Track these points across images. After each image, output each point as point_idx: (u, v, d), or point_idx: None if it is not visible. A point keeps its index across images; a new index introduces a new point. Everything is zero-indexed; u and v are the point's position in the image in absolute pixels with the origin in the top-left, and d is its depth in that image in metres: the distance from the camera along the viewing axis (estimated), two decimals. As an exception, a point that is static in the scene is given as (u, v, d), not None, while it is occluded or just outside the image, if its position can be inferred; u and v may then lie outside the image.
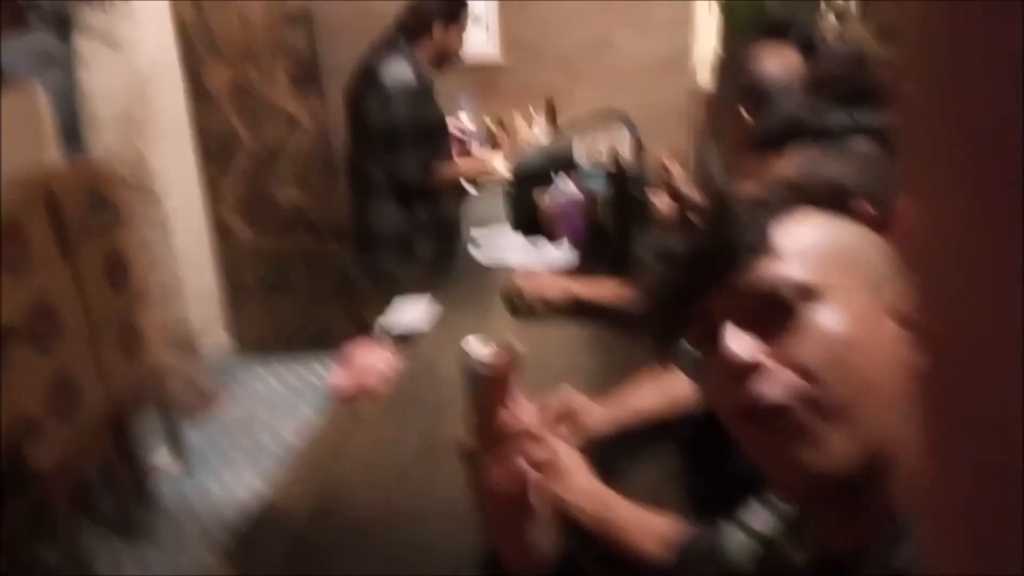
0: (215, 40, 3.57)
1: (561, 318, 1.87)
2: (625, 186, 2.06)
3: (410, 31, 2.65)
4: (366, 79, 2.63)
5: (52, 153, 2.82)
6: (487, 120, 3.58)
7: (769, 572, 0.80)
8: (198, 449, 3.17)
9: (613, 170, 2.10)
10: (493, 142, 3.47)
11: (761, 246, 0.66)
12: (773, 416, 0.62)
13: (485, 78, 3.69)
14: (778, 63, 1.63)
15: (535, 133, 3.45)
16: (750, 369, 0.63)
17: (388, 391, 1.63)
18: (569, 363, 1.71)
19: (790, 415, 0.62)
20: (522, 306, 1.93)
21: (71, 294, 2.46)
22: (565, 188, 2.24)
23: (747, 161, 1.10)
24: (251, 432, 3.29)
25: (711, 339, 0.66)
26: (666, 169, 2.45)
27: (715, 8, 3.05)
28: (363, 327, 2.08)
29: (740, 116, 1.62)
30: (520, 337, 1.78)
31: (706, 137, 3.24)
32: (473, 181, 2.88)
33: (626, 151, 2.27)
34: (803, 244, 0.67)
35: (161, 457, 3.05)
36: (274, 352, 3.90)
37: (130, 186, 3.24)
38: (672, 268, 0.70)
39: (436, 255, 2.57)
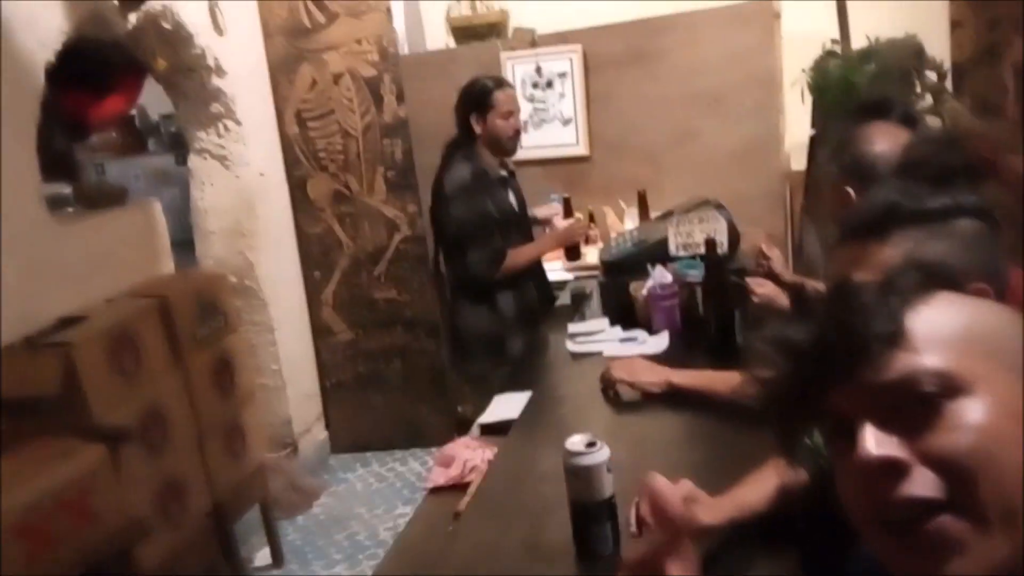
0: (317, 152, 3.77)
1: (660, 408, 1.82)
2: (722, 273, 2.01)
3: (462, 131, 2.78)
4: (434, 184, 2.79)
5: (167, 265, 2.98)
6: (578, 215, 3.61)
7: None
8: (296, 545, 3.18)
9: (709, 258, 2.06)
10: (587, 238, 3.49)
11: (895, 335, 0.61)
12: (918, 521, 0.57)
13: (573, 174, 3.75)
14: (887, 141, 1.59)
15: (626, 226, 3.46)
16: (891, 469, 0.58)
17: (486, 490, 1.60)
18: (674, 456, 1.65)
19: (937, 520, 0.57)
20: (620, 396, 1.88)
21: (181, 399, 2.55)
22: (660, 278, 2.21)
23: (850, 248, 1.06)
24: (348, 528, 3.29)
25: (843, 437, 0.62)
26: (763, 255, 2.41)
27: (806, 92, 3.03)
28: (460, 424, 2.07)
29: (848, 197, 1.57)
30: (619, 430, 1.74)
31: (805, 220, 3.17)
32: (574, 253, 2.88)
33: (722, 238, 2.23)
34: (941, 330, 0.61)
35: (261, 555, 3.07)
36: (371, 448, 3.93)
37: (238, 294, 3.40)
38: (792, 360, 0.64)
39: (528, 348, 2.56)
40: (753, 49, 3.49)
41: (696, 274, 2.20)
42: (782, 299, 2.24)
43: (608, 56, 3.68)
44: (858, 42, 3.15)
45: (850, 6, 3.23)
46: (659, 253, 2.34)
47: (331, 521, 3.36)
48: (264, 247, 3.59)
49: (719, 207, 2.37)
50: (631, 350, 2.14)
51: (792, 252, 3.51)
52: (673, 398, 1.82)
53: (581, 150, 3.75)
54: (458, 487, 1.62)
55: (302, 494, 3.48)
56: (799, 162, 3.52)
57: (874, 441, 0.59)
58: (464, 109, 2.78)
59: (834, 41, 2.99)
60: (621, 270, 2.41)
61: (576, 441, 1.37)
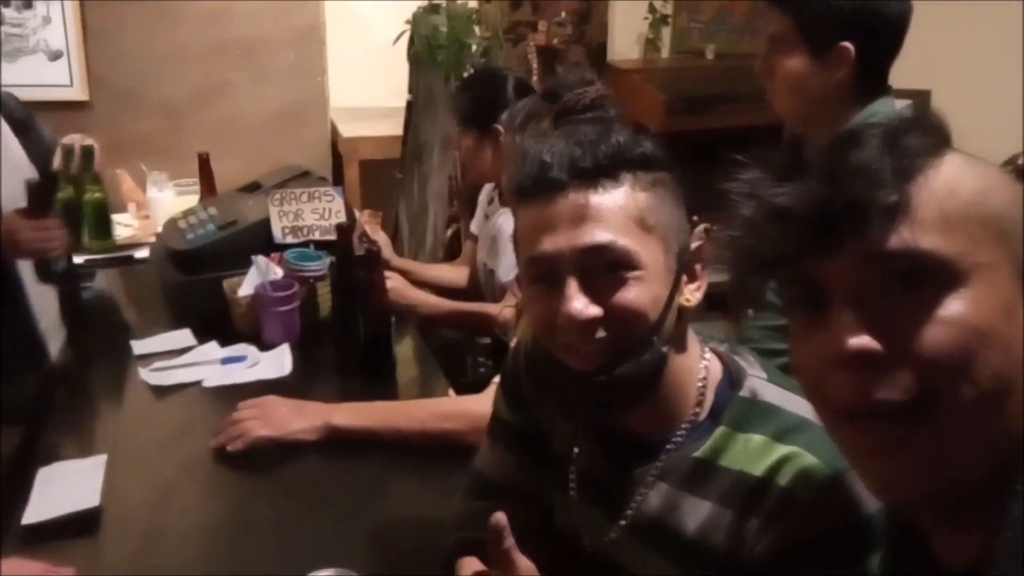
0: None
1: (319, 462, 1.33)
2: (364, 266, 1.57)
3: None
4: None
5: None
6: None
7: None
8: None
9: (341, 247, 1.60)
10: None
11: (898, 206, 0.54)
12: (888, 420, 0.54)
13: (68, 123, 2.82)
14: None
15: (150, 194, 2.70)
16: (864, 362, 0.54)
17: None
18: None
19: (909, 420, 0.54)
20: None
21: None
22: (269, 274, 1.67)
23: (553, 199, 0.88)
24: None
25: (811, 308, 0.58)
26: (369, 239, 2.00)
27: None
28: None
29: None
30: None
31: (402, 194, 2.84)
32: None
33: (343, 219, 1.78)
34: (947, 205, 0.55)
35: None
36: None
37: None
38: (778, 223, 0.57)
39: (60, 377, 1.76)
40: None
41: (317, 267, 1.72)
42: (412, 293, 1.89)
43: (109, -20, 2.85)
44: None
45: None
46: (257, 239, 1.78)
47: None
48: None
49: (323, 179, 1.90)
50: (243, 375, 1.57)
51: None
52: (335, 446, 1.34)
53: (78, 94, 2.85)
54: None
55: None
56: (349, 128, 3.18)
57: (853, 328, 0.55)
58: None
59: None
60: (202, 263, 1.77)
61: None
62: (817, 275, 0.57)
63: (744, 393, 0.87)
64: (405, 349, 1.80)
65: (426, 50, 2.46)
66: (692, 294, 0.87)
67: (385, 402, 1.41)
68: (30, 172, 1.72)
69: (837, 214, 0.55)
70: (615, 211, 0.82)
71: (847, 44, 1.38)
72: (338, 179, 3.17)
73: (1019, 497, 0.53)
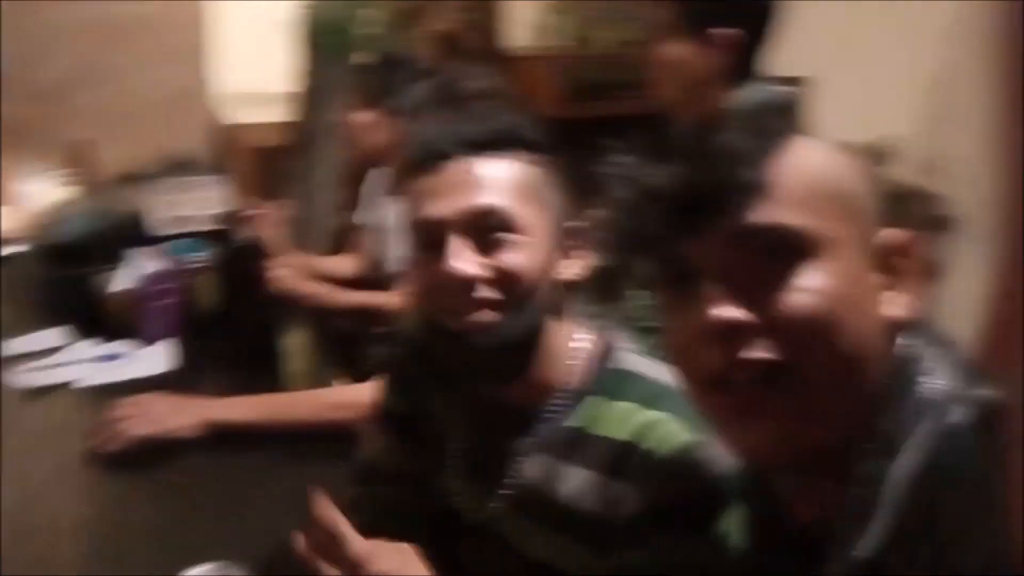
0: None
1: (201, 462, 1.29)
2: (250, 256, 1.53)
3: None
4: None
5: None
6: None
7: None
8: None
9: (223, 237, 1.55)
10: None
11: (759, 184, 0.58)
12: (753, 384, 0.57)
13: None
14: None
15: (26, 187, 2.56)
16: (736, 332, 0.57)
17: None
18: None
19: (772, 383, 0.56)
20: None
21: None
22: (148, 266, 1.60)
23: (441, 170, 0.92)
24: None
25: (680, 287, 0.60)
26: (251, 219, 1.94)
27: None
28: None
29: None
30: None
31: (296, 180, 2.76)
32: None
33: (222, 207, 1.72)
34: (801, 182, 0.59)
35: None
36: None
37: None
38: (646, 204, 0.60)
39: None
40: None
41: (198, 259, 1.66)
42: (303, 285, 1.85)
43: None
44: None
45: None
46: (132, 232, 1.71)
47: None
48: None
49: (207, 169, 1.84)
50: (118, 373, 1.51)
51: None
52: (218, 442, 1.31)
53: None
54: None
55: None
56: (239, 115, 3.09)
57: (720, 301, 0.57)
58: None
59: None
60: (73, 256, 1.69)
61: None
62: (686, 254, 0.59)
63: (613, 365, 0.90)
64: (296, 341, 1.76)
65: (319, 34, 2.40)
66: (570, 269, 0.90)
67: (270, 395, 1.38)
68: None
69: (703, 194, 0.58)
70: (499, 179, 0.86)
71: (731, 31, 1.40)
72: (231, 168, 3.09)
73: (868, 455, 0.56)
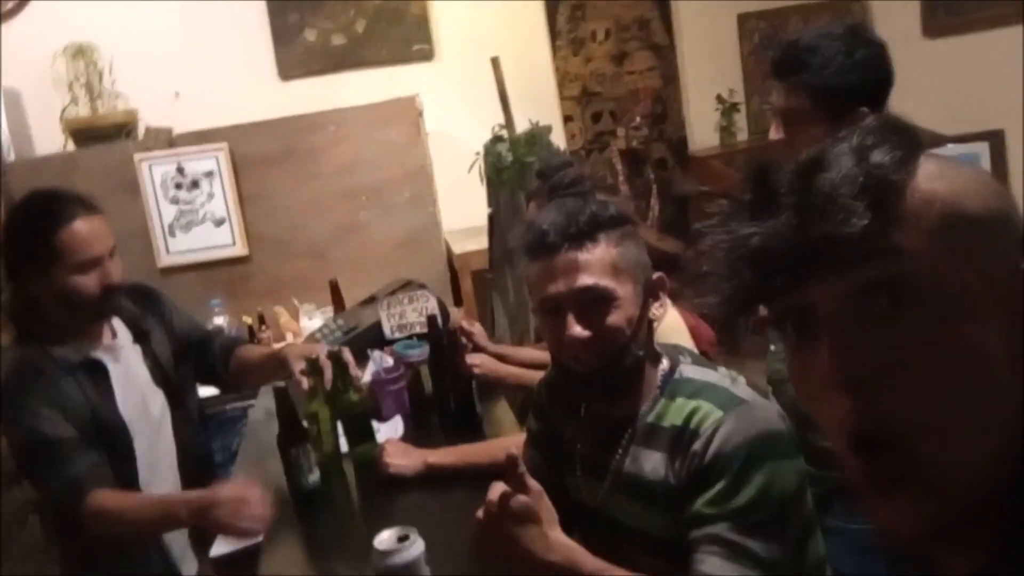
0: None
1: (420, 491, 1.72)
2: (451, 348, 2.00)
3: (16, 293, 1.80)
4: None
5: None
6: (246, 319, 3.37)
7: None
8: None
9: (433, 335, 2.04)
10: (257, 339, 3.26)
11: (874, 229, 0.51)
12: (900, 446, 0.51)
13: (233, 276, 3.50)
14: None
15: (302, 323, 3.30)
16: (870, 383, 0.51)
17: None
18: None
19: (906, 452, 0.51)
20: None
21: None
22: (382, 362, 2.12)
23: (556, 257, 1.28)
24: None
25: (806, 333, 0.55)
26: (465, 331, 2.43)
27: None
28: None
29: None
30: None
31: (493, 292, 3.30)
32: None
33: (438, 316, 2.22)
34: (930, 215, 0.52)
35: None
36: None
37: None
38: (757, 269, 0.55)
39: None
40: (402, 144, 3.61)
41: (418, 353, 2.16)
42: (501, 369, 2.28)
43: (257, 154, 3.53)
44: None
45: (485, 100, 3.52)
46: (373, 338, 2.26)
47: None
48: None
49: (422, 286, 2.37)
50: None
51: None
52: (431, 479, 1.74)
53: (239, 250, 3.51)
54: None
55: None
56: (460, 246, 3.69)
57: (843, 356, 0.52)
58: (12, 259, 1.73)
59: (501, 126, 3.22)
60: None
61: (386, 539, 1.23)
62: (804, 301, 0.55)
63: (676, 375, 1.24)
64: (499, 412, 2.19)
65: (494, 173, 2.95)
66: (657, 310, 1.26)
67: (469, 444, 1.80)
68: (149, 387, 1.84)
69: (812, 248, 0.53)
70: (595, 262, 1.20)
71: (864, 108, 1.42)
72: (456, 291, 3.66)
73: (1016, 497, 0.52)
